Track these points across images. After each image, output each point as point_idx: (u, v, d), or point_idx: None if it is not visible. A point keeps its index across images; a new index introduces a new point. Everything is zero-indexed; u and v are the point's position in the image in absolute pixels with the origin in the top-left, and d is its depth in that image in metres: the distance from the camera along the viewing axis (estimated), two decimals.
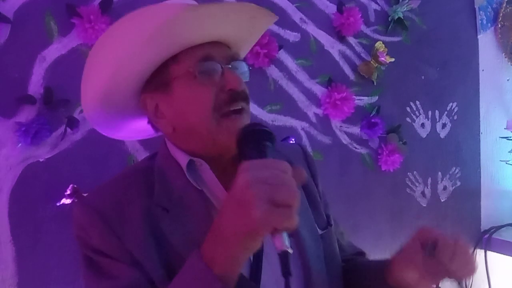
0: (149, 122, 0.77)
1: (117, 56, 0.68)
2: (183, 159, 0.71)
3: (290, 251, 0.51)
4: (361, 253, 0.95)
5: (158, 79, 0.71)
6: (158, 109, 0.72)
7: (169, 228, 0.67)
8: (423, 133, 1.83)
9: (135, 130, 0.85)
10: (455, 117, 1.90)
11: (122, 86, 0.72)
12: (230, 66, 0.70)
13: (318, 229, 0.79)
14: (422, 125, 1.83)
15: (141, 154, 1.32)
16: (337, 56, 1.63)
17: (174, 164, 0.72)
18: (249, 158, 0.58)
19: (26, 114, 1.19)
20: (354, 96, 1.63)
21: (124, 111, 0.77)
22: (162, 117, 0.72)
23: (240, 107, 0.69)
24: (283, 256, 0.52)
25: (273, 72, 1.52)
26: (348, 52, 1.66)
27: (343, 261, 0.85)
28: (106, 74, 0.70)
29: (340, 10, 1.61)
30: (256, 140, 0.62)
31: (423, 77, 1.82)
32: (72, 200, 1.22)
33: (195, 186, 0.70)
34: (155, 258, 0.66)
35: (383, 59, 1.65)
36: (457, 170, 1.90)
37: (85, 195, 1.18)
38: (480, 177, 1.97)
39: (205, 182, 0.71)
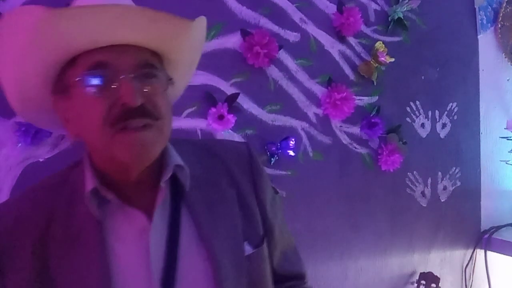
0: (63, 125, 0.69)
1: (9, 58, 0.62)
2: (89, 183, 0.64)
3: None
4: (300, 276, 0.86)
5: (60, 83, 0.64)
6: (66, 113, 0.66)
7: (56, 264, 0.61)
8: (423, 133, 1.83)
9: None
10: (455, 117, 1.90)
11: (29, 86, 0.65)
12: (132, 75, 0.60)
13: (249, 248, 0.71)
14: (422, 125, 1.83)
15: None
16: (337, 56, 1.63)
17: (81, 184, 0.65)
18: None
19: None
20: (354, 96, 1.63)
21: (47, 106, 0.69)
22: (68, 122, 0.66)
23: (139, 124, 0.60)
24: None
25: (273, 72, 1.52)
26: (348, 52, 1.66)
27: (281, 281, 0.80)
28: (9, 74, 0.64)
29: (340, 10, 1.61)
30: None
31: (423, 77, 1.82)
32: None
33: (96, 216, 0.63)
34: None
35: (383, 59, 1.65)
36: (457, 170, 1.90)
37: None
38: (480, 177, 1.97)
39: (117, 208, 0.65)
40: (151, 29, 0.61)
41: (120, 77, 0.59)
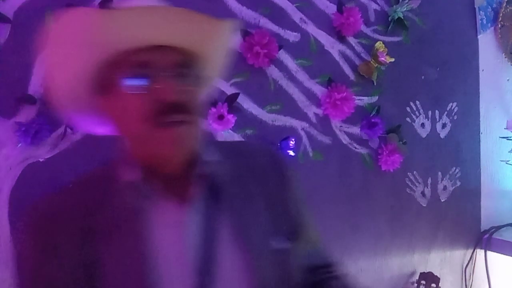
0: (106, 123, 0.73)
1: (60, 61, 0.66)
2: (131, 174, 0.68)
3: None
4: (330, 265, 0.89)
5: (103, 83, 0.68)
6: (109, 111, 0.69)
7: (101, 254, 0.64)
8: (423, 133, 1.83)
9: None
10: (455, 117, 1.89)
11: (77, 88, 0.69)
12: (170, 74, 0.64)
13: (278, 243, 0.74)
14: (422, 125, 1.83)
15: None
16: (337, 56, 1.63)
17: (123, 177, 0.69)
18: None
19: (26, 114, 1.19)
20: (354, 96, 1.63)
21: (88, 107, 0.73)
22: (112, 120, 0.70)
23: (176, 120, 0.63)
24: None
25: (273, 72, 1.52)
26: (348, 52, 1.66)
27: (313, 273, 0.82)
28: (58, 74, 0.68)
29: (340, 10, 1.61)
30: None
31: (423, 77, 1.82)
32: None
33: (138, 206, 0.66)
34: (77, 280, 0.63)
35: (383, 59, 1.65)
36: (457, 170, 1.90)
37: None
38: (480, 177, 1.97)
39: (154, 198, 0.68)
40: (190, 30, 0.66)
41: (160, 76, 0.63)
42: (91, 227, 0.65)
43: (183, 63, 0.67)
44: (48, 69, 0.70)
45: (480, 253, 1.92)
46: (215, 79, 0.83)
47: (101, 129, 0.80)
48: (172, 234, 0.67)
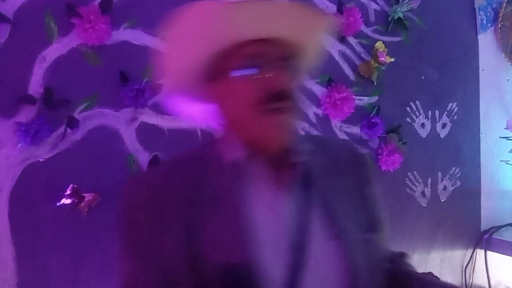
0: (211, 110, 0.79)
1: (181, 47, 0.72)
2: (236, 153, 0.73)
3: None
4: (403, 255, 0.93)
5: (216, 70, 0.74)
6: (217, 98, 0.76)
7: (205, 223, 0.68)
8: (423, 133, 1.83)
9: (203, 115, 0.87)
10: (455, 117, 1.90)
11: (191, 74, 0.75)
12: (278, 65, 0.71)
13: (366, 233, 0.78)
14: (422, 125, 1.83)
15: (141, 154, 1.32)
16: (337, 56, 1.63)
17: (223, 157, 0.74)
18: None
19: (26, 114, 1.19)
20: (354, 96, 1.63)
21: (198, 95, 0.80)
22: (219, 106, 0.76)
23: (280, 107, 0.69)
24: None
25: None
26: (348, 52, 1.66)
27: (390, 261, 0.85)
28: (176, 63, 0.74)
29: (340, 10, 1.61)
30: None
31: (423, 77, 1.82)
32: (72, 200, 1.22)
33: (238, 182, 0.71)
34: (179, 247, 0.66)
35: (383, 59, 1.65)
36: (457, 170, 1.90)
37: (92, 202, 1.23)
38: (480, 177, 1.97)
39: (255, 178, 0.73)
40: (298, 24, 0.73)
41: (269, 66, 0.69)
42: (195, 198, 0.70)
43: (289, 55, 0.73)
44: (167, 56, 0.75)
45: (480, 253, 1.92)
46: (307, 71, 0.89)
47: (201, 116, 0.87)
48: (269, 213, 0.71)
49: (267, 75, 0.69)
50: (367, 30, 1.69)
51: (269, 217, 0.71)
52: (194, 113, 0.87)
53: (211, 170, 0.73)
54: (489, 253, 1.88)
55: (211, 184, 0.71)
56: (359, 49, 1.67)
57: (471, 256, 1.93)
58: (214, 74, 0.74)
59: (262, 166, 0.72)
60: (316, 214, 0.73)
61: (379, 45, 1.67)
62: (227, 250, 0.66)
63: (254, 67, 0.70)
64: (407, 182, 1.79)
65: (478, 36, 1.94)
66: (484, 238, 1.91)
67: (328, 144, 0.88)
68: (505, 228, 1.93)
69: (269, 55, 0.71)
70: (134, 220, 0.71)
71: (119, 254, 0.73)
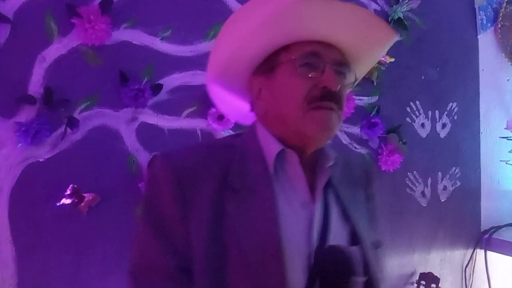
0: (250, 103, 0.80)
1: (235, 38, 0.72)
2: (273, 147, 0.73)
3: None
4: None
5: (267, 64, 0.74)
6: (261, 92, 0.76)
7: (232, 209, 0.68)
8: (423, 133, 1.83)
9: (238, 111, 0.88)
10: (455, 117, 1.89)
11: (238, 65, 0.76)
12: (335, 67, 0.72)
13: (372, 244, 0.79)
14: (422, 125, 1.83)
15: (141, 154, 1.32)
16: None
17: (257, 148, 0.74)
18: None
19: (26, 114, 1.19)
20: (354, 96, 1.63)
21: (238, 88, 0.81)
22: (260, 100, 0.76)
23: (329, 106, 0.70)
24: None
25: None
26: None
27: None
28: (226, 52, 0.75)
29: None
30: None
31: (423, 77, 1.82)
32: (72, 200, 1.22)
33: (271, 176, 0.71)
34: (208, 237, 0.66)
35: (383, 59, 1.65)
36: (457, 170, 1.90)
37: (92, 202, 1.23)
38: (480, 177, 1.97)
39: (288, 173, 0.73)
40: (363, 35, 0.73)
41: (326, 66, 0.71)
42: (226, 185, 0.70)
43: (345, 62, 0.75)
44: (220, 42, 0.77)
45: (480, 253, 1.92)
46: (356, 82, 0.89)
47: (235, 112, 0.88)
48: (299, 211, 0.72)
49: (325, 74, 0.70)
50: None
51: (300, 215, 0.72)
52: (230, 107, 0.88)
53: (245, 159, 0.73)
54: (489, 253, 1.88)
55: (244, 173, 0.71)
56: None
57: (471, 256, 1.93)
58: (267, 67, 0.75)
59: (296, 164, 0.73)
60: (336, 219, 0.75)
61: None
62: (254, 241, 0.66)
63: (313, 64, 0.71)
64: (407, 182, 1.79)
65: (478, 36, 1.94)
66: (484, 238, 1.91)
67: (347, 157, 0.90)
68: (505, 228, 1.92)
69: (327, 56, 0.72)
70: (161, 199, 0.69)
71: (137, 233, 0.72)
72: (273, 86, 0.74)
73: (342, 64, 0.74)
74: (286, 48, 0.72)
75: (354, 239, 0.74)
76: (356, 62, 0.79)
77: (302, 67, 0.70)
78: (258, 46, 0.73)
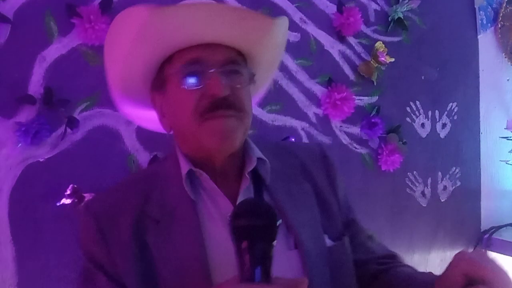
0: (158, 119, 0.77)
1: (119, 56, 0.69)
2: (183, 167, 0.70)
3: None
4: (393, 256, 0.88)
5: (158, 79, 0.72)
6: (162, 108, 0.73)
7: (154, 240, 0.66)
8: (423, 133, 1.83)
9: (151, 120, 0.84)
10: (455, 117, 1.89)
11: (132, 82, 0.73)
12: (220, 70, 0.67)
13: (329, 241, 0.74)
14: (422, 125, 1.83)
15: (141, 154, 1.32)
16: (337, 56, 1.63)
17: (176, 171, 0.71)
18: (243, 261, 0.52)
19: (26, 114, 1.19)
20: (354, 96, 1.63)
21: (145, 103, 0.78)
22: (164, 116, 0.73)
23: (224, 115, 0.66)
24: None
25: None
26: (348, 52, 1.66)
27: (377, 263, 0.82)
28: (117, 70, 0.72)
29: (340, 10, 1.61)
30: (257, 239, 0.53)
31: (423, 77, 1.82)
32: (72, 200, 1.21)
33: (190, 197, 0.68)
34: (136, 272, 0.65)
35: (383, 59, 1.65)
36: (457, 170, 1.90)
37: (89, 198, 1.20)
38: (480, 177, 1.97)
39: (208, 191, 0.70)
40: (240, 28, 0.67)
41: (210, 72, 0.66)
42: (145, 218, 0.68)
43: (233, 60, 0.70)
44: (107, 65, 0.73)
45: None
46: (267, 78, 0.85)
47: (152, 124, 0.84)
48: (223, 225, 0.68)
49: (208, 82, 0.65)
50: (367, 30, 1.69)
51: (224, 231, 0.66)
52: (148, 121, 0.85)
53: (167, 185, 0.71)
54: (489, 253, 1.88)
55: (164, 201, 0.69)
56: (359, 49, 1.67)
57: None
58: (158, 83, 0.71)
59: (211, 178, 0.69)
60: None
61: (379, 45, 1.67)
62: (180, 268, 0.64)
63: (194, 74, 0.66)
64: (407, 182, 1.79)
65: (478, 36, 1.94)
66: (484, 238, 1.91)
67: (285, 150, 0.83)
68: (505, 228, 1.93)
69: (212, 60, 0.67)
70: (88, 246, 0.69)
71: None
72: (167, 103, 0.71)
73: (232, 62, 0.69)
74: (169, 59, 0.69)
75: (295, 241, 0.70)
76: (252, 56, 0.74)
77: (186, 78, 0.66)
78: (140, 62, 0.69)
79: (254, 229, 0.53)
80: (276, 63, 0.85)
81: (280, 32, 0.75)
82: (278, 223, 0.54)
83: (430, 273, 0.70)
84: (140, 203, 0.69)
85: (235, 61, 0.70)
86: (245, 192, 0.71)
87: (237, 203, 0.69)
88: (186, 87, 0.66)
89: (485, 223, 1.96)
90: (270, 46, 0.76)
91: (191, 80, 0.66)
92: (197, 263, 0.64)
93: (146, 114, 0.81)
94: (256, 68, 0.75)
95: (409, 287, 0.71)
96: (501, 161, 1.98)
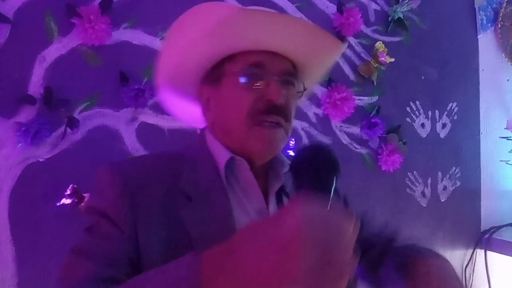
0: (201, 111, 0.79)
1: (182, 45, 0.71)
2: (223, 155, 0.72)
3: None
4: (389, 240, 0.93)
5: (214, 73, 0.73)
6: (209, 101, 0.75)
7: (188, 217, 0.66)
8: (423, 133, 1.83)
9: (189, 115, 0.87)
10: (455, 117, 1.90)
11: (186, 72, 0.75)
12: (280, 78, 0.70)
13: None
14: (422, 125, 1.83)
15: (141, 154, 1.32)
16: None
17: (208, 157, 0.73)
18: (309, 191, 0.54)
19: (26, 114, 1.19)
20: (354, 96, 1.63)
21: (189, 94, 0.80)
22: (209, 109, 0.75)
23: (275, 121, 0.69)
24: None
25: None
26: (348, 52, 1.66)
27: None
28: (173, 60, 0.73)
29: (340, 10, 1.61)
30: (324, 173, 0.58)
31: (423, 77, 1.82)
32: (72, 200, 1.21)
33: (224, 183, 0.70)
34: (162, 241, 0.64)
35: (383, 59, 1.65)
36: (457, 170, 1.90)
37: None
38: (480, 177, 1.97)
39: (240, 181, 0.72)
40: (309, 44, 0.72)
41: (271, 78, 0.69)
42: (176, 191, 0.68)
43: (291, 72, 0.73)
44: (165, 50, 0.75)
45: (480, 253, 1.92)
46: (308, 92, 0.87)
47: (188, 116, 0.87)
48: (251, 216, 0.71)
49: (269, 86, 0.68)
50: (367, 30, 1.69)
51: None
52: (182, 112, 0.87)
53: (196, 168, 0.72)
54: (489, 253, 1.88)
55: (196, 181, 0.70)
56: (359, 49, 1.67)
57: (471, 256, 1.93)
58: (213, 77, 0.73)
59: (247, 171, 0.71)
60: None
61: (379, 45, 1.67)
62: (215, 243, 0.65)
63: (257, 76, 0.69)
64: (407, 182, 1.79)
65: (478, 36, 1.94)
66: (484, 238, 1.91)
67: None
68: (505, 228, 1.93)
69: (273, 67, 0.70)
70: (105, 198, 0.66)
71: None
72: (219, 97, 0.73)
73: (289, 74, 0.72)
74: (231, 57, 0.71)
75: None
76: (304, 71, 0.77)
77: (246, 78, 0.69)
78: (203, 55, 0.71)
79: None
80: (320, 78, 0.89)
81: (339, 54, 0.79)
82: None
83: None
84: (170, 178, 0.69)
85: (292, 73, 0.73)
86: (274, 191, 0.75)
87: (269, 201, 0.73)
88: (246, 86, 0.69)
89: (485, 223, 1.96)
90: (325, 64, 0.81)
91: (251, 81, 0.69)
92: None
93: (183, 104, 0.84)
94: (304, 81, 0.78)
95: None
96: (501, 161, 1.98)
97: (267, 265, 0.44)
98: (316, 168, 0.58)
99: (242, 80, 0.69)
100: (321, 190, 0.55)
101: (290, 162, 0.73)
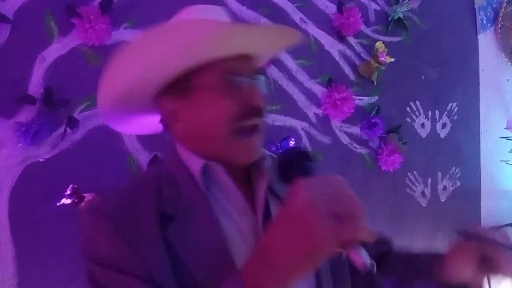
0: (161, 122, 0.77)
1: (146, 61, 0.69)
2: (196, 163, 0.70)
3: (370, 264, 0.50)
4: (386, 242, 0.92)
5: (181, 85, 0.71)
6: (175, 113, 0.73)
7: (174, 238, 0.65)
8: (423, 133, 1.83)
9: (142, 126, 0.85)
10: (455, 117, 1.90)
11: (145, 88, 0.72)
12: (254, 80, 0.70)
13: None
14: (422, 125, 1.83)
15: (141, 154, 1.32)
16: (337, 56, 1.63)
17: (182, 168, 0.72)
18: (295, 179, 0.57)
19: (26, 114, 1.19)
20: (354, 96, 1.63)
21: (139, 109, 0.78)
22: (176, 121, 0.73)
23: (255, 123, 0.69)
24: (368, 273, 0.49)
25: (273, 72, 1.52)
26: (348, 52, 1.66)
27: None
28: (130, 76, 0.70)
29: (340, 10, 1.61)
30: (299, 162, 0.64)
31: (423, 77, 1.82)
32: (72, 200, 1.22)
33: (204, 192, 0.69)
34: (168, 268, 0.63)
35: (383, 59, 1.65)
36: (457, 170, 1.90)
37: (91, 203, 1.20)
38: (480, 177, 1.97)
39: (220, 186, 0.71)
40: (277, 42, 0.74)
41: (246, 82, 0.69)
42: (163, 214, 0.67)
43: (260, 69, 0.73)
44: (134, 59, 0.72)
45: None
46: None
47: (146, 129, 0.86)
48: (238, 218, 0.70)
49: (248, 91, 0.68)
50: (367, 30, 1.69)
51: (239, 225, 0.70)
52: (131, 126, 0.85)
53: (174, 183, 0.71)
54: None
55: (175, 198, 0.69)
56: (359, 49, 1.67)
57: None
58: (180, 89, 0.71)
59: (224, 174, 0.70)
60: None
61: (379, 45, 1.67)
62: (205, 264, 0.64)
63: (232, 83, 0.68)
64: (407, 182, 1.79)
65: (478, 36, 1.95)
66: None
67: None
68: (505, 228, 1.93)
69: (245, 70, 0.70)
70: (103, 256, 0.64)
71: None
72: (192, 109, 0.70)
73: (260, 71, 0.73)
74: (199, 68, 0.69)
75: None
76: (260, 60, 0.80)
77: (225, 88, 0.68)
78: (170, 71, 0.69)
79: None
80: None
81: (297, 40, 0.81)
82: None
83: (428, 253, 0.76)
84: (152, 202, 0.68)
85: (262, 69, 0.74)
86: (259, 188, 0.74)
87: (256, 199, 0.73)
88: (223, 94, 0.68)
89: (485, 223, 1.96)
90: (277, 52, 0.85)
91: (229, 89, 0.68)
92: (222, 257, 0.65)
93: (131, 119, 0.82)
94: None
95: (421, 263, 0.78)
96: (501, 161, 1.98)
97: (298, 244, 0.48)
98: (299, 161, 0.64)
99: (219, 89, 0.68)
100: (305, 174, 0.60)
101: (277, 158, 0.74)
